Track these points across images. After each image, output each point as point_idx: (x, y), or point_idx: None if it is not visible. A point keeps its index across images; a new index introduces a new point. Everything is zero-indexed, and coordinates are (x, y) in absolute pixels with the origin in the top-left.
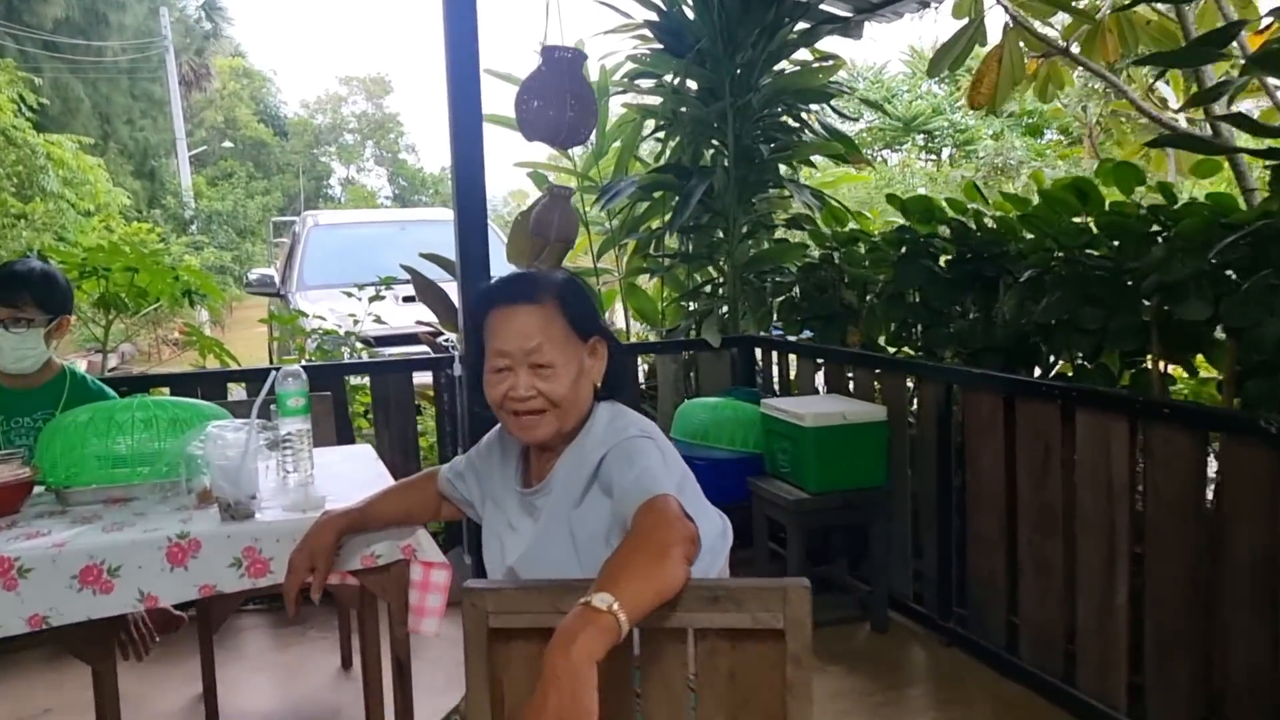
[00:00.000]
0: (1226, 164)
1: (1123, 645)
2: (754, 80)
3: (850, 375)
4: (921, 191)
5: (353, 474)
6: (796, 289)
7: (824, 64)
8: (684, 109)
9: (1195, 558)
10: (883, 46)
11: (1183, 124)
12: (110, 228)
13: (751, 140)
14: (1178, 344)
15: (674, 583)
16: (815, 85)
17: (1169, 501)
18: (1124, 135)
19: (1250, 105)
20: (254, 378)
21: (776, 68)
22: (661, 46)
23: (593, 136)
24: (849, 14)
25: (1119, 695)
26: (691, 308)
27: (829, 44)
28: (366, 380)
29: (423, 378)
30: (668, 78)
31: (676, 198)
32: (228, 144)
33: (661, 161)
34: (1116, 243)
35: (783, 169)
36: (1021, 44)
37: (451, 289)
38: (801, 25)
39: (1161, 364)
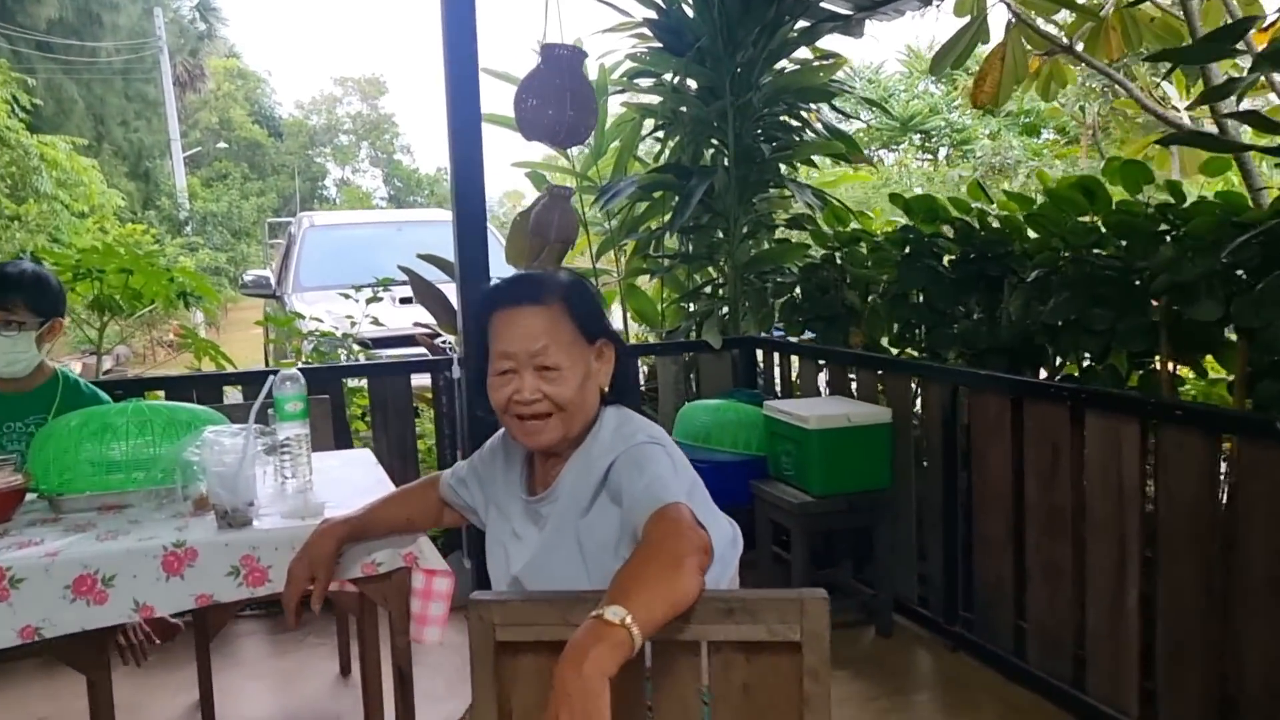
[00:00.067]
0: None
1: (1134, 650)
2: (754, 79)
3: (852, 377)
4: (918, 191)
5: (352, 479)
6: (798, 290)
7: (825, 63)
8: (684, 108)
9: (1208, 561)
10: (879, 46)
11: (1186, 122)
12: (105, 229)
13: (752, 139)
14: (1187, 345)
15: (688, 594)
16: (816, 84)
17: (1181, 504)
18: (1127, 134)
19: (1249, 104)
20: (250, 380)
21: (777, 66)
22: (661, 45)
23: (591, 136)
24: (850, 12)
25: (1130, 701)
26: (692, 309)
27: (829, 42)
28: (364, 383)
29: (421, 380)
30: (667, 76)
31: (676, 198)
32: (222, 145)
33: (661, 161)
34: (1124, 242)
35: (783, 168)
36: (1024, 42)
37: (450, 290)
38: (802, 23)
39: (1170, 365)
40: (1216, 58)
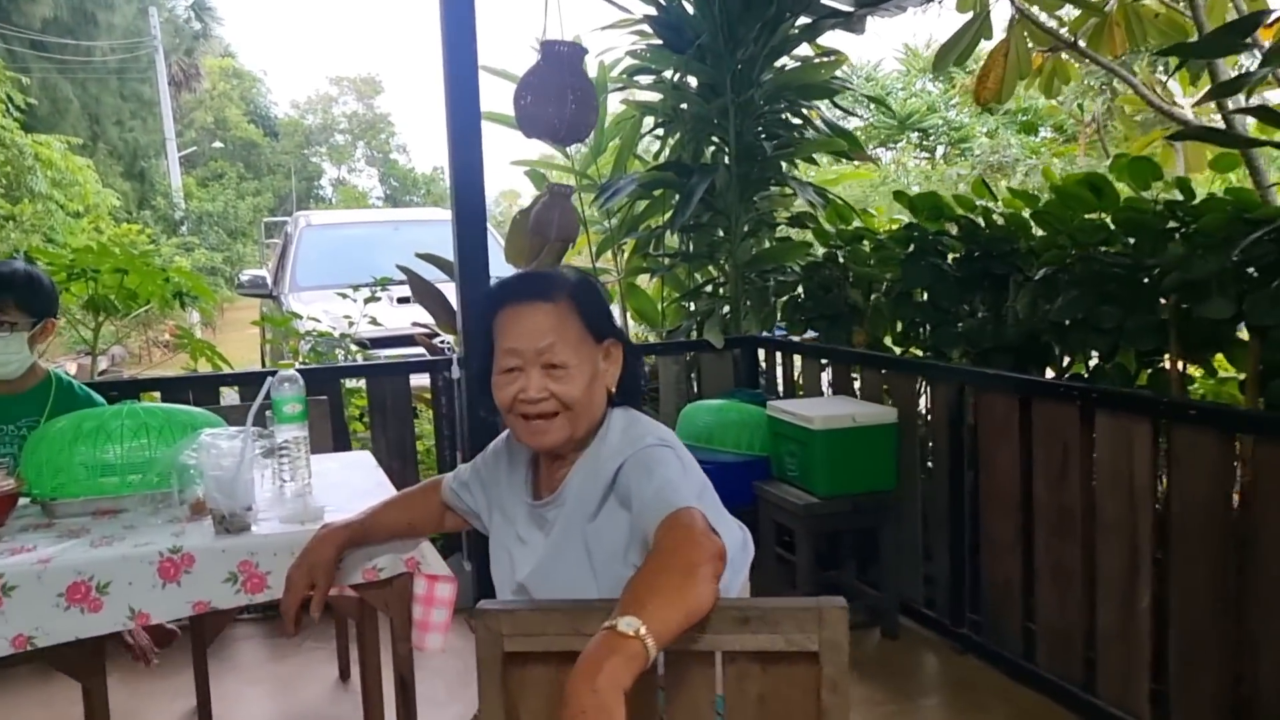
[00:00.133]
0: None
1: (1145, 652)
2: (755, 76)
3: (856, 376)
4: (916, 189)
5: (352, 482)
6: (800, 288)
7: (826, 59)
8: (684, 105)
9: (1221, 562)
10: (877, 44)
11: (1191, 117)
12: (99, 229)
13: (753, 137)
14: (1197, 343)
15: (703, 603)
16: (817, 81)
17: (1194, 505)
18: (1130, 131)
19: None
20: (247, 381)
21: (778, 63)
22: (661, 42)
23: (591, 134)
24: (851, 8)
25: (1141, 703)
26: (693, 308)
27: (830, 39)
28: (362, 383)
29: (420, 380)
30: (667, 74)
31: (677, 196)
32: (218, 145)
33: (661, 159)
34: (1133, 239)
35: (785, 166)
36: (1027, 38)
37: (448, 290)
38: (803, 20)
39: (1179, 364)
40: (1226, 53)
